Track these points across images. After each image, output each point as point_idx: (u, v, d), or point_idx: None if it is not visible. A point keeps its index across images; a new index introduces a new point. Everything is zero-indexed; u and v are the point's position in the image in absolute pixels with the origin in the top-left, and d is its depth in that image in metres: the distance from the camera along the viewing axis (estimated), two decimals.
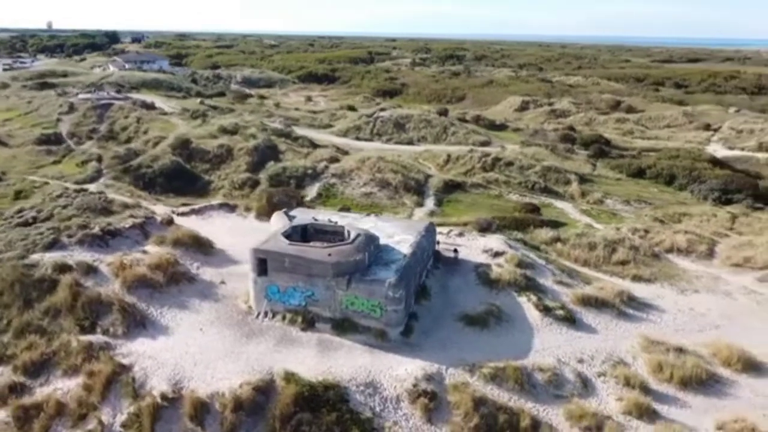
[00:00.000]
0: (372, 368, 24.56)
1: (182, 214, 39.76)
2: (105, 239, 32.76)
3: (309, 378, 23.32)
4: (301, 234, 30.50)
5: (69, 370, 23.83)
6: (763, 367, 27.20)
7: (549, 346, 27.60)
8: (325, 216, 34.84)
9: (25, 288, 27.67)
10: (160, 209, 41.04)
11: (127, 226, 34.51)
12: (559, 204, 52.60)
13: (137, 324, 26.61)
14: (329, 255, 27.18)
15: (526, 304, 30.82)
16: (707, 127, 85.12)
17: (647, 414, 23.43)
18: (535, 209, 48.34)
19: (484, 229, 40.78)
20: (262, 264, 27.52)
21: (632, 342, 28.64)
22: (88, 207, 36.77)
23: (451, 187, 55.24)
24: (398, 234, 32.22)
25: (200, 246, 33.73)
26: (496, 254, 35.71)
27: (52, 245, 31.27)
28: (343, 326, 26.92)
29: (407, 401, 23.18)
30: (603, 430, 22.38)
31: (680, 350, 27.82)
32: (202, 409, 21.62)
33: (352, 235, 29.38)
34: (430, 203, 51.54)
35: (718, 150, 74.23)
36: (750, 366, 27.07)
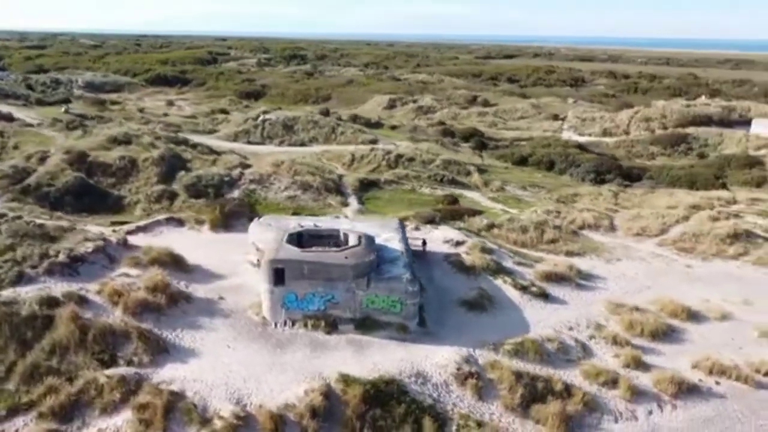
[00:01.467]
0: (412, 360, 26.07)
1: (129, 232, 37.14)
2: (73, 267, 29.97)
3: (364, 377, 24.23)
4: (297, 241, 30.73)
5: (108, 408, 22.16)
6: (700, 315, 33.18)
7: (539, 320, 31.09)
8: (294, 221, 35.17)
9: (16, 328, 24.76)
10: (95, 230, 37.91)
11: (89, 250, 31.75)
12: (468, 194, 57.12)
13: (160, 350, 25.25)
14: (346, 258, 28.02)
15: (504, 286, 34.13)
16: (555, 117, 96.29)
17: (641, 365, 27.79)
18: (455, 200, 52.19)
19: (429, 221, 43.50)
20: (279, 274, 27.53)
21: (599, 307, 33.22)
22: (25, 234, 32.98)
23: (366, 185, 57.25)
24: (381, 233, 33.67)
25: (178, 264, 32.21)
26: (458, 243, 38.66)
27: (20, 279, 28.00)
28: (366, 325, 27.98)
29: (455, 384, 25.10)
30: (618, 383, 26.23)
31: (637, 309, 32.98)
32: (280, 422, 21.62)
33: (352, 238, 30.38)
34: (353, 202, 53.06)
35: (571, 137, 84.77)
36: (691, 315, 32.89)
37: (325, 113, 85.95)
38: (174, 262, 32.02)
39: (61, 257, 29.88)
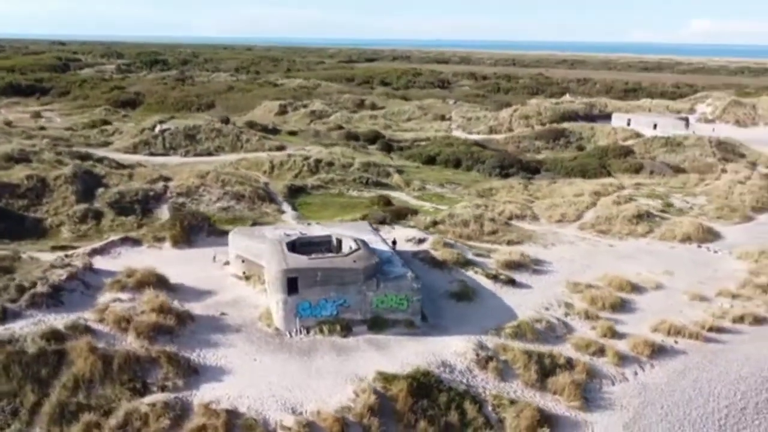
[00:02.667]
0: (432, 352, 27.68)
1: (82, 255, 34.51)
2: (56, 297, 27.68)
3: (400, 372, 25.45)
4: (291, 249, 30.92)
5: None
6: (639, 287, 38.11)
7: (518, 304, 34.06)
8: (274, 230, 35.13)
9: (27, 367, 22.70)
10: (44, 258, 34.87)
11: (63, 278, 29.37)
12: (393, 194, 59.32)
13: (190, 372, 24.46)
14: (354, 262, 28.89)
15: (477, 277, 36.75)
16: (442, 117, 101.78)
17: (616, 334, 31.71)
18: (388, 201, 54.13)
19: (381, 222, 45.06)
20: (293, 283, 27.73)
21: (560, 288, 36.98)
22: None
23: (294, 192, 57.48)
24: (361, 235, 34.68)
25: (164, 284, 30.83)
26: (420, 241, 40.71)
27: (5, 315, 25.41)
28: (377, 324, 29.08)
29: (477, 369, 27.13)
30: (605, 351, 29.80)
31: (591, 286, 37.20)
32: (343, 425, 22.22)
33: (346, 243, 31.24)
34: (288, 209, 53.11)
35: (461, 135, 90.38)
36: (633, 288, 37.72)
37: (225, 121, 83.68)
38: (160, 282, 30.68)
39: (43, 288, 27.51)
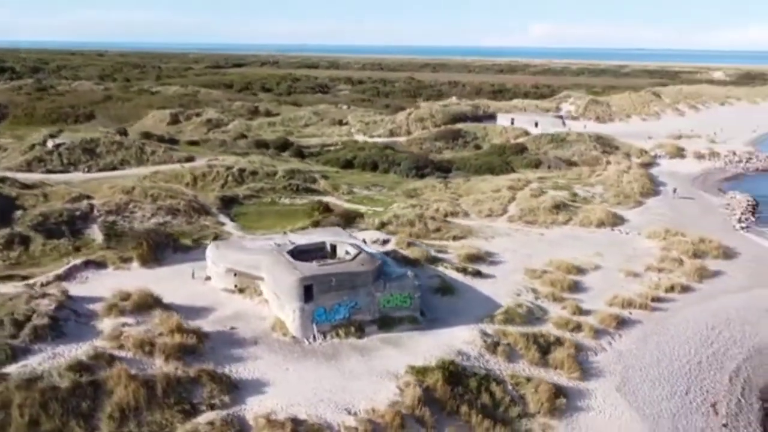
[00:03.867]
0: (444, 343, 29.58)
1: (47, 284, 31.95)
2: (56, 328, 25.77)
3: (430, 364, 27.04)
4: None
5: None
6: (582, 268, 42.64)
7: (494, 293, 36.87)
8: (257, 241, 34.97)
9: (65, 404, 21.24)
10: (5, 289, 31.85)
11: (51, 308, 27.26)
12: (325, 199, 60.10)
13: (232, 387, 24.16)
14: (362, 265, 29.94)
15: (448, 271, 39.10)
16: (340, 122, 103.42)
17: (583, 311, 35.57)
18: (327, 207, 54.87)
19: (337, 225, 45.86)
20: (309, 290, 28.20)
21: (520, 275, 40.42)
22: None
23: (227, 203, 56.28)
24: (341, 239, 35.58)
25: (160, 304, 29.67)
26: (384, 242, 42.26)
27: (15, 353, 23.31)
28: (386, 323, 30.37)
29: (488, 354, 29.44)
30: (582, 327, 33.43)
31: (545, 272, 41.08)
32: (402, 418, 23.37)
33: (342, 249, 32.15)
34: (226, 220, 52.10)
35: (363, 139, 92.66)
36: (579, 270, 42.16)
37: (123, 133, 78.83)
38: (156, 303, 29.49)
39: (42, 320, 25.49)
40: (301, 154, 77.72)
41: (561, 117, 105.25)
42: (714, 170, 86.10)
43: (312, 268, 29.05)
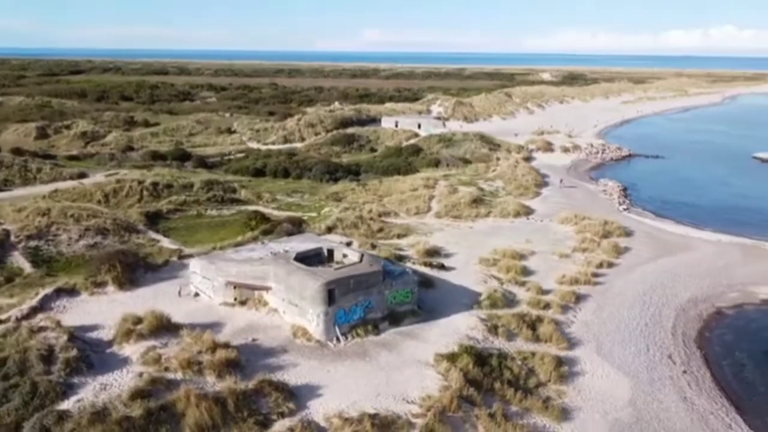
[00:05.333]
0: (452, 330, 31.98)
1: (25, 317, 29.20)
2: (84, 359, 24.15)
3: (454, 351, 29.28)
4: None
5: None
6: (522, 255, 47.16)
7: (464, 283, 39.86)
8: (232, 255, 34.69)
9: (147, 428, 20.44)
10: None
11: (65, 339, 25.35)
12: (251, 208, 59.46)
13: (291, 395, 24.48)
14: (371, 266, 31.34)
15: (416, 267, 41.35)
16: (228, 130, 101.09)
17: (544, 291, 39.81)
18: (263, 216, 54.50)
19: (289, 233, 46.17)
20: (332, 294, 29.07)
21: (476, 265, 43.89)
22: None
23: (152, 218, 53.75)
24: (318, 244, 36.45)
25: (171, 324, 28.67)
26: (348, 244, 43.45)
27: (64, 388, 21.68)
28: (394, 318, 32.05)
29: (491, 336, 32.34)
30: (550, 305, 37.56)
31: (495, 260, 44.95)
32: (456, 399, 25.38)
33: (339, 253, 33.27)
34: (158, 236, 49.97)
35: (256, 146, 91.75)
36: (520, 256, 46.61)
37: None
38: (168, 323, 28.50)
39: (71, 353, 23.79)
40: (204, 164, 75.35)
41: (440, 118, 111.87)
42: (580, 161, 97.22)
43: (330, 272, 29.88)
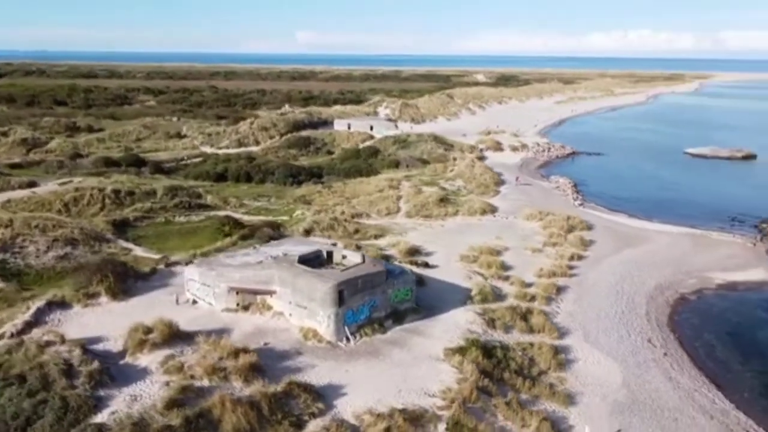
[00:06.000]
0: (454, 326, 33.03)
1: (20, 332, 28.05)
2: (104, 372, 23.60)
3: (462, 344, 30.31)
4: None
5: None
6: (497, 250, 48.84)
7: (451, 280, 41.00)
8: (226, 260, 34.51)
9: None
10: None
11: (78, 353, 24.64)
12: (221, 213, 58.64)
13: (318, 395, 24.76)
14: (374, 266, 31.95)
15: (404, 266, 42.11)
16: (178, 134, 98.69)
17: (526, 284, 41.49)
18: (236, 221, 53.90)
19: (272, 238, 46.02)
20: (341, 295, 29.49)
21: (457, 262, 45.18)
22: None
23: (120, 226, 52.24)
24: (311, 248, 36.69)
25: (183, 333, 28.30)
26: (334, 244, 43.75)
27: (96, 402, 21.15)
28: (397, 316, 32.81)
29: (490, 329, 33.63)
30: (536, 297, 39.25)
31: (476, 256, 46.36)
32: (475, 389, 26.39)
33: (338, 254, 33.71)
34: (129, 245, 48.73)
35: (211, 150, 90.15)
36: (496, 252, 48.25)
37: None
38: (179, 331, 28.14)
39: (93, 365, 23.20)
40: (161, 170, 73.47)
41: (392, 120, 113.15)
42: (528, 160, 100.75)
43: (338, 273, 30.26)
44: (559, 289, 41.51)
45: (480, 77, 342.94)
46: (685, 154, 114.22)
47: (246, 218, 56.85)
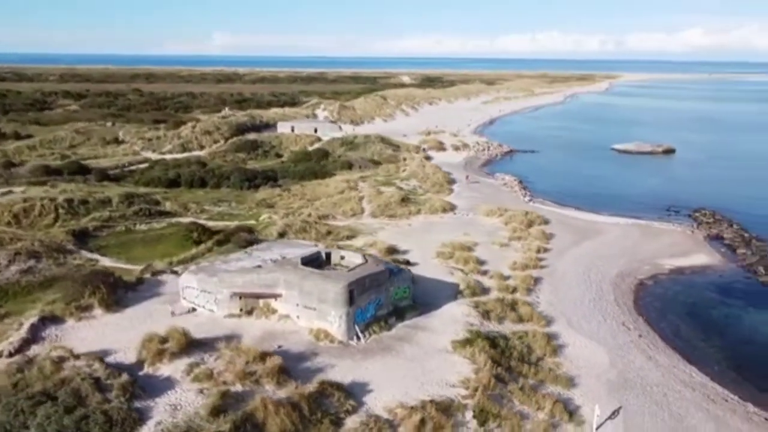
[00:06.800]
0: (451, 319, 34.22)
1: (19, 350, 26.74)
2: (136, 386, 23.07)
3: (467, 336, 31.56)
4: None
5: None
6: (468, 246, 50.57)
7: (435, 276, 42.21)
8: (222, 266, 34.25)
9: None
10: None
11: (99, 365, 23.87)
12: (183, 220, 57.29)
13: (348, 393, 25.20)
14: (377, 265, 32.65)
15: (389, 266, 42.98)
16: (116, 140, 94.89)
17: (503, 277, 43.35)
18: (203, 227, 52.86)
19: (250, 243, 45.62)
20: (352, 294, 30.02)
21: (434, 259, 46.49)
22: None
23: (80, 237, 50.13)
24: (305, 250, 37.01)
25: (196, 341, 27.90)
26: (315, 245, 43.91)
27: (138, 417, 20.66)
28: (398, 313, 33.65)
29: (485, 320, 35.06)
30: (517, 288, 41.13)
31: (451, 253, 47.80)
32: (492, 377, 27.67)
33: (336, 256, 34.23)
34: (97, 255, 46.95)
35: (163, 156, 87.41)
36: (468, 248, 49.93)
37: None
38: (194, 339, 27.76)
39: (124, 377, 22.58)
40: (107, 177, 70.62)
41: (335, 122, 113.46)
42: (471, 158, 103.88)
43: (346, 274, 30.71)
44: (535, 281, 43.64)
45: (406, 79, 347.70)
46: (612, 149, 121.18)
47: (211, 224, 55.88)
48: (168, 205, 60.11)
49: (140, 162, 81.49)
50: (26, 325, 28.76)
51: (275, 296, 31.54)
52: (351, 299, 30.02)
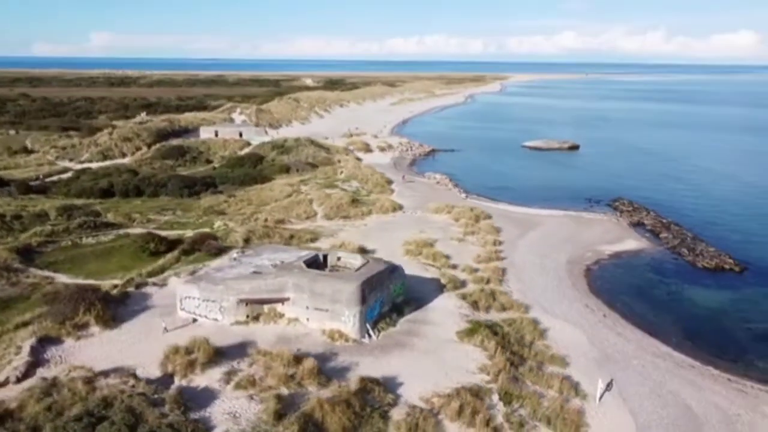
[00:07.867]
0: (447, 312, 35.85)
1: (26, 375, 25.19)
2: (182, 401, 22.61)
3: (470, 326, 33.29)
4: None
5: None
6: (429, 242, 52.41)
7: (412, 273, 43.55)
8: (219, 274, 33.92)
9: None
10: None
11: (137, 382, 23.14)
12: (132, 231, 54.89)
13: (385, 388, 26.05)
14: (378, 264, 33.62)
15: None
16: (25, 149, 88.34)
17: (473, 270, 45.60)
18: (157, 236, 51.02)
19: (221, 250, 44.87)
20: (364, 293, 30.84)
21: (404, 256, 47.87)
22: None
23: (23, 253, 46.88)
24: (292, 254, 37.37)
25: (218, 349, 27.54)
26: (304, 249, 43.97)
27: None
28: (399, 310, 34.79)
29: (475, 311, 37.03)
30: (490, 280, 43.46)
31: (418, 249, 49.42)
32: (507, 363, 29.54)
33: (333, 257, 34.88)
34: (49, 272, 44.29)
35: (71, 165, 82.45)
36: (430, 244, 51.82)
37: None
38: (218, 349, 27.46)
39: (172, 392, 22.07)
40: (29, 189, 65.90)
41: (260, 126, 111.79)
42: (397, 159, 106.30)
43: (355, 274, 31.38)
44: (502, 272, 46.27)
45: (309, 81, 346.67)
46: (523, 147, 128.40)
47: (164, 233, 53.99)
48: (111, 217, 57.30)
49: (60, 172, 76.54)
50: (26, 348, 27.05)
51: (282, 300, 31.65)
52: (363, 298, 30.79)
